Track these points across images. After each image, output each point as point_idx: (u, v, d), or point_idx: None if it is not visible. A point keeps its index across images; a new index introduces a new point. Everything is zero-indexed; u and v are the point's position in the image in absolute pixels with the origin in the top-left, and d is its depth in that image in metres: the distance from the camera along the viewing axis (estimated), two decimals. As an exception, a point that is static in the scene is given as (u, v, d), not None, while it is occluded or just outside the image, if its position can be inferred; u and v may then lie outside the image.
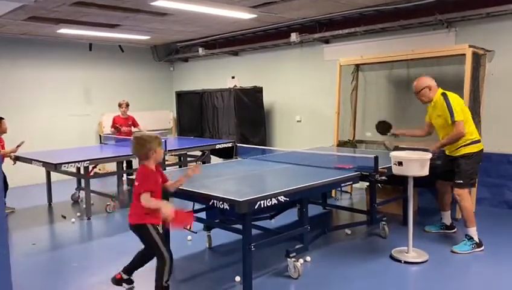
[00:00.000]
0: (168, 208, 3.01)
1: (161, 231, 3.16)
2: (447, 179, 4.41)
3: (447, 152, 4.34)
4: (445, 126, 4.20)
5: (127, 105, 7.44)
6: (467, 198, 4.13)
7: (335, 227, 5.03)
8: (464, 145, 4.15)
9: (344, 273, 3.71)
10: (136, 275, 3.62)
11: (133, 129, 7.53)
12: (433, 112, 4.32)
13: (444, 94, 4.17)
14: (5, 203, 5.46)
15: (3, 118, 5.46)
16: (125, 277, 3.41)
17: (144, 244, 3.23)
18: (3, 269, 1.98)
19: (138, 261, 3.38)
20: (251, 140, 7.39)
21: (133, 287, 3.45)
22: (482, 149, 4.26)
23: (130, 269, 3.40)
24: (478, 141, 4.20)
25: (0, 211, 1.93)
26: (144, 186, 3.02)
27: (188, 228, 3.39)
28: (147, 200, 3.01)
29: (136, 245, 4.05)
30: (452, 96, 4.15)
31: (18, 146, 5.66)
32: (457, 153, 4.19)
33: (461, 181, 4.12)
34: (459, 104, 4.12)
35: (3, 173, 5.45)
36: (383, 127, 4.92)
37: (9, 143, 5.85)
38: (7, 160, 5.64)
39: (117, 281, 3.41)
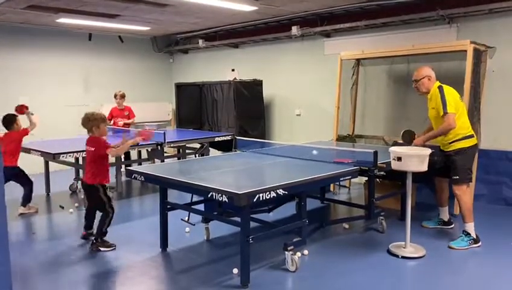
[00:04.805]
0: (133, 141, 4.28)
1: (108, 190, 4.17)
2: (445, 175, 4.42)
3: (441, 147, 4.34)
4: (437, 119, 4.19)
5: (122, 96, 7.40)
6: (466, 193, 4.14)
7: (333, 221, 5.04)
8: (457, 140, 4.15)
9: (341, 267, 3.72)
10: (133, 269, 3.65)
11: (127, 121, 7.50)
12: (429, 104, 4.33)
13: (440, 87, 4.17)
14: (30, 201, 5.51)
15: (17, 116, 5.45)
16: (89, 231, 4.39)
17: (93, 201, 4.23)
18: (3, 257, 1.98)
19: (89, 216, 4.39)
20: (250, 133, 7.39)
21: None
22: (476, 144, 4.28)
23: (88, 224, 4.40)
24: (471, 136, 4.20)
25: (0, 202, 1.93)
26: (103, 149, 4.02)
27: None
28: (114, 152, 4.11)
29: (132, 235, 4.04)
30: (447, 90, 4.14)
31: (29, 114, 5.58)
32: (451, 148, 4.20)
33: (458, 177, 4.13)
34: (454, 98, 4.11)
35: (22, 170, 5.42)
36: (408, 136, 4.53)
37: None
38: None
39: (84, 236, 4.39)
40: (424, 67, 4.32)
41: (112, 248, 4.11)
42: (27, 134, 5.42)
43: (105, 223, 4.12)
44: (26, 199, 5.47)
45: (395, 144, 4.94)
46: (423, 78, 4.24)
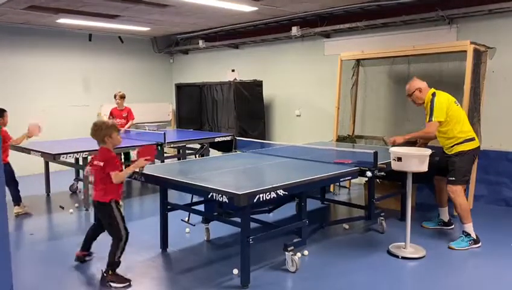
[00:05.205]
0: (138, 164, 3.57)
1: (121, 208, 3.58)
2: (445, 175, 4.43)
3: (444, 150, 4.36)
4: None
5: (121, 97, 7.38)
6: (460, 194, 4.15)
7: (333, 221, 5.04)
8: (458, 144, 4.19)
9: (341, 267, 3.72)
10: (133, 269, 3.64)
11: (126, 127, 7.50)
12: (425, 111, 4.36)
13: (433, 94, 4.23)
14: (21, 200, 5.45)
15: (5, 111, 5.45)
16: (85, 253, 3.84)
17: (104, 220, 3.58)
18: (4, 258, 1.98)
19: (91, 236, 3.82)
20: (250, 133, 7.39)
21: (94, 256, 3.89)
22: (478, 147, 4.29)
23: (86, 245, 3.83)
24: (472, 139, 4.22)
25: (1, 202, 1.93)
26: (111, 168, 3.43)
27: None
28: (119, 177, 3.45)
29: (132, 236, 4.02)
30: (439, 97, 4.19)
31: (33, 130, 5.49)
32: (452, 151, 4.23)
33: (454, 178, 4.16)
34: (447, 104, 4.16)
35: (11, 168, 5.43)
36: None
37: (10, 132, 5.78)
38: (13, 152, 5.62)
39: (79, 257, 3.83)
40: (414, 81, 4.39)
41: (126, 284, 3.39)
42: (3, 136, 5.30)
43: (119, 248, 3.43)
44: (17, 198, 5.44)
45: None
46: (414, 91, 4.33)
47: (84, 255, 3.84)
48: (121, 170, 3.50)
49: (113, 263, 3.42)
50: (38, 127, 5.43)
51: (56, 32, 8.36)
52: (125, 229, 3.49)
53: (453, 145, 4.21)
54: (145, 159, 3.57)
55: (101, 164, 3.46)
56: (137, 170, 3.62)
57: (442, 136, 4.25)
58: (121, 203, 3.57)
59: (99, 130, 3.52)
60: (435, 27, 5.98)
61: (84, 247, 3.83)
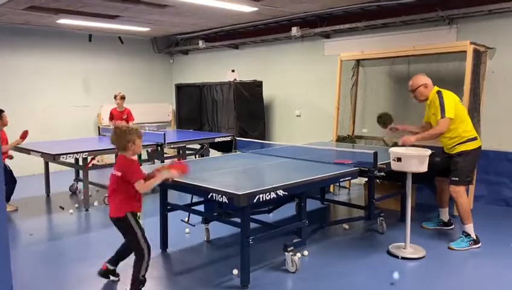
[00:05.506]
0: (167, 175, 3.23)
1: (141, 222, 3.22)
2: (446, 176, 4.43)
3: (445, 150, 4.35)
4: None
5: (122, 98, 7.38)
6: (463, 195, 4.14)
7: (333, 222, 5.04)
8: (460, 143, 4.17)
9: (341, 267, 3.72)
10: (121, 269, 3.64)
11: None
12: (429, 110, 4.35)
13: (439, 92, 4.19)
14: (10, 200, 5.46)
15: (3, 111, 5.44)
16: (111, 267, 3.46)
17: (124, 235, 3.28)
18: (3, 258, 1.98)
19: (123, 252, 3.43)
20: (250, 134, 7.39)
21: (118, 279, 3.48)
22: (480, 146, 4.28)
23: (115, 260, 3.46)
24: (475, 139, 4.21)
25: (0, 202, 1.93)
26: (134, 177, 3.10)
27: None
28: (144, 187, 3.12)
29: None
30: (446, 95, 4.17)
31: (22, 137, 5.55)
32: (455, 150, 4.21)
33: (457, 178, 4.14)
34: (453, 102, 4.13)
35: (9, 168, 5.45)
36: (385, 119, 4.90)
37: (9, 134, 5.78)
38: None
39: (104, 272, 3.46)
40: (419, 76, 4.35)
41: None
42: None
43: (143, 265, 3.12)
44: (7, 197, 5.44)
45: (395, 145, 4.94)
46: (419, 87, 4.28)
47: (109, 272, 3.45)
48: (145, 178, 3.17)
49: (137, 280, 3.12)
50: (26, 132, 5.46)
51: (56, 32, 8.36)
52: (147, 244, 3.16)
53: (455, 145, 4.19)
54: (179, 173, 3.27)
55: (119, 173, 3.11)
56: (165, 179, 3.28)
57: (445, 135, 4.21)
58: (138, 214, 3.23)
59: (124, 135, 3.12)
60: (435, 27, 5.98)
61: (111, 260, 3.45)
